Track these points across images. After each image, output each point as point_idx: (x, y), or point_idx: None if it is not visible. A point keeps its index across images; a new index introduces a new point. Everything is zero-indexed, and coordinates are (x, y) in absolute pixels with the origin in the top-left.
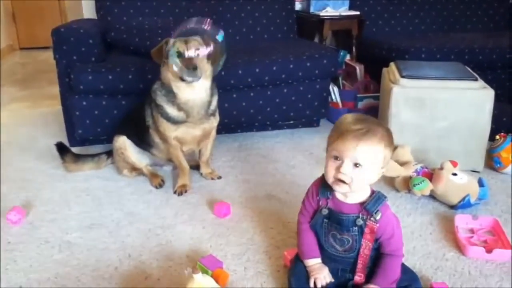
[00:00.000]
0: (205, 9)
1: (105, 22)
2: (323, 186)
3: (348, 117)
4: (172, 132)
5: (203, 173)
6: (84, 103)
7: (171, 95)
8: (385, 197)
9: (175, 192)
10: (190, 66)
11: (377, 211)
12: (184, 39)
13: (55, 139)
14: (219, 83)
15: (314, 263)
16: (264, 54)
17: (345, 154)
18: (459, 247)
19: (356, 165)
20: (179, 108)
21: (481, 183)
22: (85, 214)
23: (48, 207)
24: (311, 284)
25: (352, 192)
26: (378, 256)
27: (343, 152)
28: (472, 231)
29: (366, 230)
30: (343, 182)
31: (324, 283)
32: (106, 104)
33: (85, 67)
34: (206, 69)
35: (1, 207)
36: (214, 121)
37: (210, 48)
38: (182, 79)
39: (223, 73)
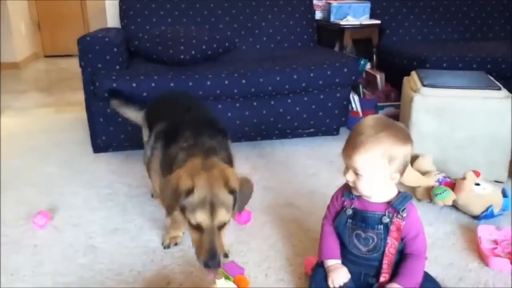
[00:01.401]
0: (226, 18)
1: (129, 31)
2: (347, 189)
3: (358, 125)
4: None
5: None
6: (108, 110)
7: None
8: (411, 196)
9: (162, 244)
10: (212, 258)
11: (404, 208)
12: (209, 205)
13: (78, 145)
14: (240, 91)
15: (332, 263)
16: (284, 63)
17: (347, 163)
18: (483, 258)
19: (356, 173)
20: None
21: (504, 194)
22: (108, 219)
23: (72, 212)
24: (330, 284)
25: (366, 196)
26: (402, 258)
27: (345, 161)
28: (495, 242)
29: (392, 227)
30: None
31: (341, 283)
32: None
33: (110, 75)
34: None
35: (26, 211)
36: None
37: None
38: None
39: (244, 81)
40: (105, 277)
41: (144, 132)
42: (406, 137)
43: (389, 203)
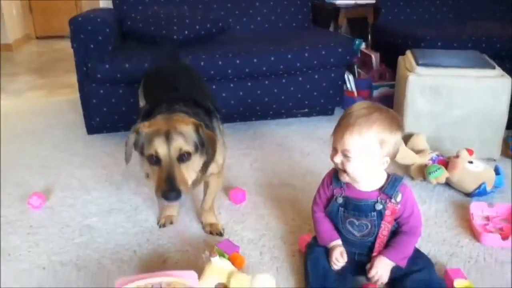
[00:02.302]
0: None
1: (121, 11)
2: (336, 175)
3: (350, 108)
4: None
5: (203, 223)
6: (101, 91)
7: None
8: (402, 177)
9: (158, 223)
10: (171, 189)
11: (397, 192)
12: (164, 132)
13: (72, 127)
14: (234, 72)
15: (332, 244)
16: (279, 43)
17: (337, 144)
18: (475, 235)
19: (345, 155)
20: None
21: (497, 171)
22: (104, 199)
23: (67, 193)
24: (333, 265)
25: (354, 180)
26: (395, 234)
27: (335, 142)
28: (487, 218)
29: (387, 212)
30: (342, 170)
31: (339, 265)
32: (123, 92)
33: (102, 56)
34: (195, 170)
35: (22, 192)
36: (213, 168)
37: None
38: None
39: (238, 61)
40: (102, 256)
41: (141, 102)
42: (398, 124)
43: (380, 189)
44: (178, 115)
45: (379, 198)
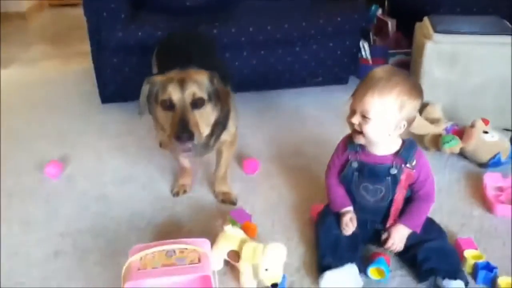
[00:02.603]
0: None
1: None
2: (351, 140)
3: (372, 72)
4: (166, 139)
5: (216, 191)
6: (115, 60)
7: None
8: (416, 143)
9: (172, 192)
10: (184, 131)
11: (412, 157)
12: (179, 79)
13: (86, 97)
14: (247, 40)
15: (344, 210)
16: (293, 9)
17: (356, 105)
18: (487, 205)
19: (363, 116)
20: None
21: None
22: (119, 168)
23: (83, 162)
24: (343, 231)
25: (370, 143)
26: (409, 200)
27: (354, 103)
28: (501, 189)
29: (403, 177)
30: (359, 132)
31: (348, 230)
32: (136, 61)
33: (115, 24)
34: (210, 121)
35: (39, 161)
36: (225, 136)
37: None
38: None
39: (251, 29)
40: (117, 224)
41: (154, 70)
42: (418, 90)
43: (395, 154)
44: (192, 69)
45: (394, 162)
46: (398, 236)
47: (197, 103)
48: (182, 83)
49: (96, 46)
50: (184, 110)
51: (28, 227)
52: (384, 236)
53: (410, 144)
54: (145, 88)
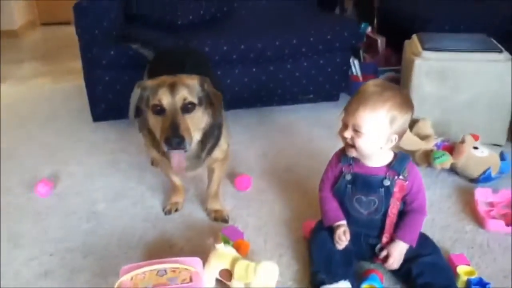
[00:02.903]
0: None
1: None
2: (344, 153)
3: (364, 86)
4: (157, 157)
5: (207, 209)
6: (107, 78)
7: (155, 141)
8: (409, 156)
9: (164, 210)
10: (174, 136)
11: (405, 169)
12: (169, 83)
13: (78, 114)
14: (239, 57)
15: (337, 224)
16: (284, 27)
17: (348, 119)
18: (479, 220)
19: (356, 130)
20: (163, 153)
21: (502, 157)
22: (110, 186)
23: (74, 180)
24: (337, 245)
25: (362, 156)
26: (402, 214)
27: (346, 117)
28: (492, 204)
29: (396, 189)
30: (351, 146)
31: (342, 244)
32: (128, 78)
33: (107, 42)
34: (200, 125)
35: (29, 179)
36: (217, 153)
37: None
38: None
39: (242, 46)
40: (108, 243)
41: None
42: (409, 103)
43: (388, 166)
44: (183, 75)
45: (387, 174)
46: (398, 254)
47: (187, 108)
48: (172, 88)
49: (88, 63)
50: (175, 115)
51: (17, 246)
52: (383, 254)
53: (403, 157)
54: (136, 93)
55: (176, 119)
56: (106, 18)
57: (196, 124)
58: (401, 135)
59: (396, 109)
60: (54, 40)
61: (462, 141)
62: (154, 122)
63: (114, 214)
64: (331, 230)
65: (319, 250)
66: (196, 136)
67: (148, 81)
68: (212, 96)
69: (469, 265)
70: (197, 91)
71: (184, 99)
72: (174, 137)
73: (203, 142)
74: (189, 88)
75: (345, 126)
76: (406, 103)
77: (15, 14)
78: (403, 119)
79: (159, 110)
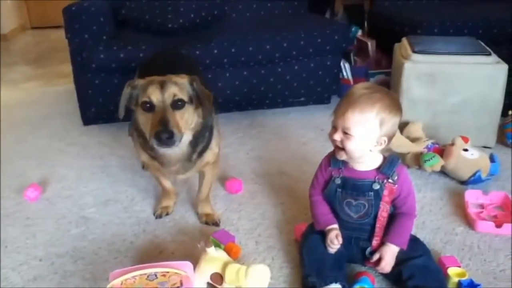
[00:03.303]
0: None
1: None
2: (334, 157)
3: (353, 88)
4: (147, 160)
5: (199, 213)
6: (97, 81)
7: (146, 143)
8: (398, 158)
9: (154, 214)
10: (163, 130)
11: (394, 172)
12: (159, 81)
13: (68, 117)
14: (230, 61)
15: (328, 228)
16: (274, 31)
17: (337, 122)
18: (469, 222)
19: (345, 133)
20: (153, 156)
21: (492, 159)
22: (100, 190)
23: (64, 184)
24: (329, 249)
25: (351, 159)
26: (392, 217)
27: (336, 120)
28: (482, 206)
29: (385, 192)
30: (340, 148)
31: (334, 247)
32: (118, 82)
33: (97, 46)
34: (190, 123)
35: (18, 184)
36: (208, 156)
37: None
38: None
39: (233, 50)
40: (98, 247)
41: None
42: (398, 106)
43: (378, 169)
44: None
45: (376, 177)
46: (391, 257)
47: (177, 104)
48: (162, 85)
49: (78, 67)
50: (164, 110)
51: (6, 251)
52: (375, 257)
53: (392, 160)
54: (126, 91)
55: (166, 114)
56: (96, 22)
57: (186, 121)
58: (390, 137)
59: (385, 111)
60: (46, 43)
61: (452, 143)
62: (144, 119)
63: (104, 218)
64: (323, 234)
65: (310, 254)
66: (187, 135)
67: (138, 80)
68: (202, 95)
69: (460, 266)
70: (187, 89)
71: (174, 96)
72: (164, 132)
73: (193, 144)
74: (179, 85)
75: (334, 129)
76: (395, 106)
77: (5, 18)
78: (392, 121)
79: (149, 107)
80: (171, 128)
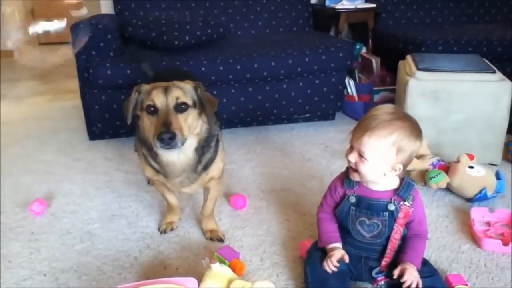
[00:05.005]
0: (221, 3)
1: (123, 17)
2: (347, 177)
3: (375, 109)
4: (152, 175)
5: (203, 229)
6: (103, 97)
7: (152, 152)
8: (414, 181)
9: (159, 229)
10: (165, 131)
11: (410, 196)
12: (164, 86)
13: (75, 132)
14: (235, 77)
15: (331, 246)
16: (279, 48)
17: (354, 142)
18: (475, 240)
19: (360, 155)
20: (157, 170)
21: (498, 176)
22: (105, 205)
23: (69, 199)
24: (325, 267)
25: (365, 181)
26: (405, 239)
27: (352, 140)
28: (488, 224)
29: (400, 214)
30: (354, 170)
31: (334, 264)
32: (124, 98)
33: (104, 62)
34: (195, 127)
35: (23, 198)
36: (214, 170)
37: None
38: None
39: (238, 67)
40: (102, 263)
41: None
42: (418, 134)
43: (395, 191)
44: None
45: (392, 199)
46: (414, 270)
47: (181, 108)
48: (166, 89)
49: (85, 83)
50: (167, 113)
51: (10, 266)
52: (395, 273)
53: (409, 184)
54: (133, 97)
55: (169, 117)
56: (103, 39)
57: (189, 124)
58: (406, 165)
59: (403, 140)
60: (52, 59)
61: (458, 161)
62: (148, 122)
63: (109, 234)
64: (326, 251)
65: (314, 271)
66: (191, 140)
67: (144, 85)
68: (207, 101)
69: (466, 285)
70: (191, 94)
71: (177, 99)
72: (166, 133)
73: (199, 152)
74: (183, 90)
75: (351, 148)
76: (415, 135)
77: (13, 35)
78: (410, 150)
79: (153, 110)
80: (173, 130)
